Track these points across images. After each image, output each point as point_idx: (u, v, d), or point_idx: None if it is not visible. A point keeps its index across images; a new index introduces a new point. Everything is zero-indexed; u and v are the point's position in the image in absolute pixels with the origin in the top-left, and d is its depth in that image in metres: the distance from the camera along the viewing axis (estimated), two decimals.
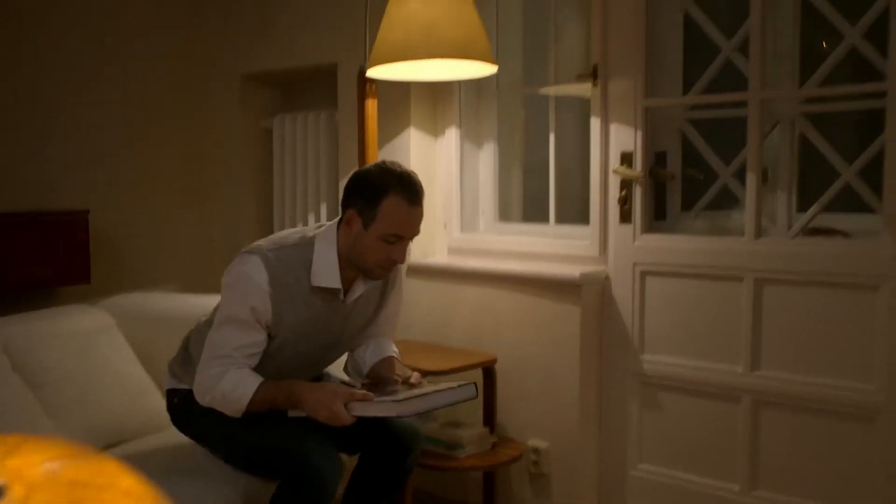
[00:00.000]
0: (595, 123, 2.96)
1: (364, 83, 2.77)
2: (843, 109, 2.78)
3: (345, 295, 2.28)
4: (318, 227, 2.30)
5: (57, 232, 3.41)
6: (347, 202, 2.21)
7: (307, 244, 2.24)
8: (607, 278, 2.96)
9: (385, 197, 2.14)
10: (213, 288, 2.67)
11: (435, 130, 3.47)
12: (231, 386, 2.16)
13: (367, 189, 2.17)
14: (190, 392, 2.27)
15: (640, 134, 2.86)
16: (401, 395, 2.10)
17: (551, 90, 3.24)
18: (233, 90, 4.02)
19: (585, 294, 2.94)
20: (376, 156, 2.80)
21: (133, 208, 3.89)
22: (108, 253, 3.76)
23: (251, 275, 2.16)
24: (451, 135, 3.43)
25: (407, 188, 2.15)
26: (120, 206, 3.83)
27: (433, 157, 3.47)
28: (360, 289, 2.28)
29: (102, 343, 2.76)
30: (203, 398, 2.21)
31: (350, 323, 2.34)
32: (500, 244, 3.30)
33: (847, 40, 2.52)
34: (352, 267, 2.24)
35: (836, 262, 2.49)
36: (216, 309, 2.28)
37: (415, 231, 2.20)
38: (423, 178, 2.24)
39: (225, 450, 2.33)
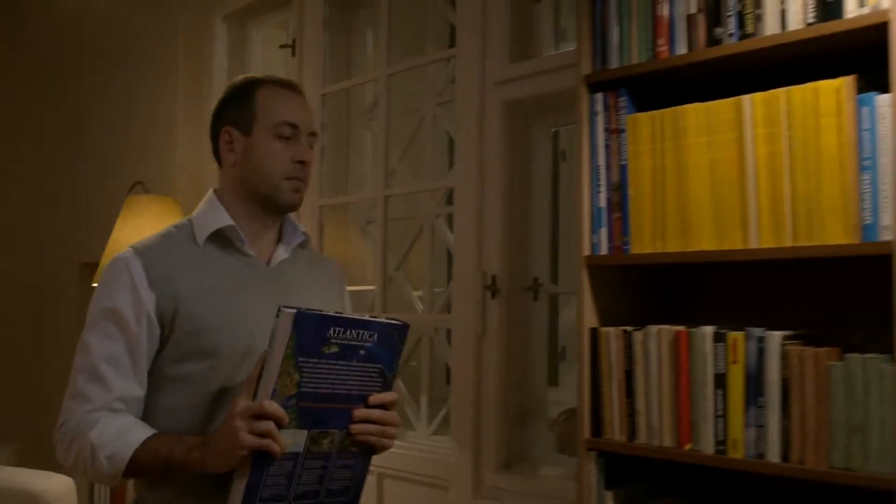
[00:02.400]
0: None
1: None
2: None
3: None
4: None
5: None
6: (216, 127, 1.75)
7: (183, 221, 1.76)
8: None
9: (256, 89, 1.72)
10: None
11: None
12: (104, 436, 1.55)
13: (233, 96, 1.74)
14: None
15: None
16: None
17: None
18: None
19: None
20: None
21: None
22: None
23: (118, 264, 1.64)
24: None
25: (278, 79, 1.76)
26: None
27: None
28: (282, 252, 1.77)
29: None
30: (66, 456, 1.60)
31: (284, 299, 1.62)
32: None
33: None
34: (253, 216, 1.73)
35: None
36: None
37: (309, 122, 1.73)
38: None
39: None
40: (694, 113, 1.90)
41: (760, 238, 1.80)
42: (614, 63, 2.04)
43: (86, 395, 1.59)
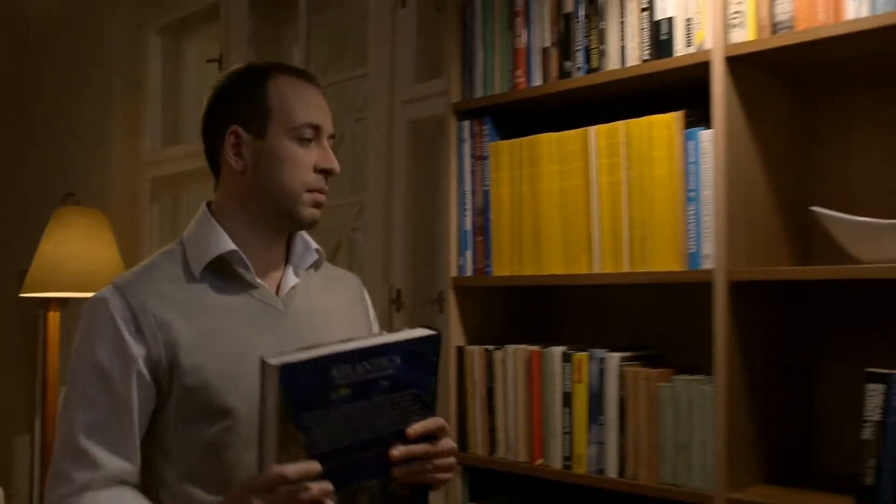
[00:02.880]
0: None
1: None
2: None
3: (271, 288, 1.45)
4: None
5: None
6: (216, 125, 1.43)
7: (172, 247, 1.45)
8: None
9: (267, 79, 1.41)
10: None
11: None
12: None
13: (238, 88, 1.42)
14: None
15: None
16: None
17: None
18: None
19: None
20: None
21: None
22: None
23: (97, 308, 1.35)
24: None
25: (292, 68, 1.47)
26: None
27: None
28: (292, 277, 1.46)
29: None
30: None
31: (302, 339, 1.36)
32: None
33: None
34: (261, 235, 1.43)
35: None
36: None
37: (330, 122, 1.44)
38: None
39: None
40: (547, 142, 1.98)
41: (603, 263, 1.88)
42: (479, 92, 2.12)
43: (65, 474, 1.30)
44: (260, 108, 1.39)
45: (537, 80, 2.02)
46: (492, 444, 2.06)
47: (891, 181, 1.79)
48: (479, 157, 2.11)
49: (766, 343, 1.76)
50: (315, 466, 1.17)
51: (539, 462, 1.98)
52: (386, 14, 2.94)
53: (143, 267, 1.42)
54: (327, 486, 1.18)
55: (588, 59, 1.93)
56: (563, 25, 1.97)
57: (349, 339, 1.25)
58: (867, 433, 1.55)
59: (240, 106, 1.40)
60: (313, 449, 1.18)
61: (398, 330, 1.34)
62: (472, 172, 2.12)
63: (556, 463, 1.94)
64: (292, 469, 1.15)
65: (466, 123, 2.14)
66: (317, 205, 1.41)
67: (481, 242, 2.10)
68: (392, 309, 2.85)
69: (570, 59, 1.96)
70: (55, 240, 3.41)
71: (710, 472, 1.71)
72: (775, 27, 1.65)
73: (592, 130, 1.90)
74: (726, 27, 1.70)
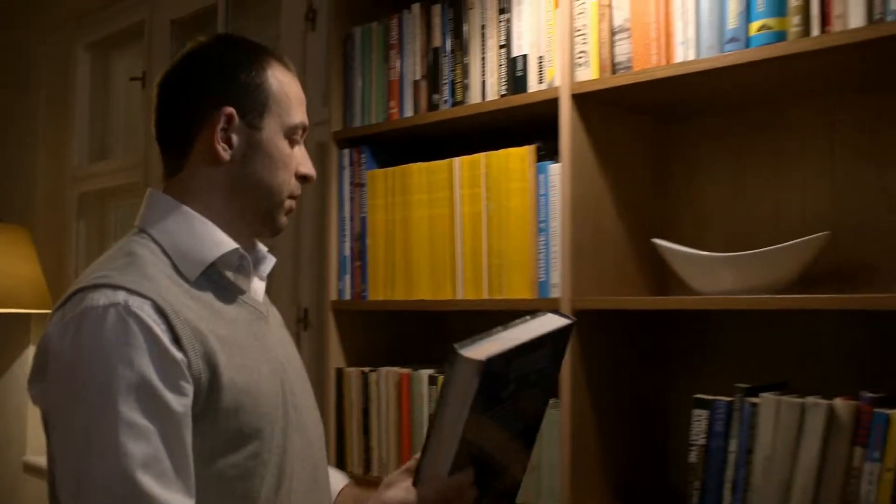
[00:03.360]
0: None
1: None
2: None
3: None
4: (134, 231, 1.25)
5: None
6: (200, 101, 1.23)
7: (140, 242, 1.21)
8: None
9: (268, 66, 1.26)
10: None
11: None
12: None
13: (236, 65, 1.24)
14: None
15: None
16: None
17: None
18: None
19: None
20: None
21: None
22: None
23: (117, 315, 1.08)
24: None
25: (284, 58, 1.30)
26: None
27: None
28: (260, 284, 1.32)
29: None
30: None
31: (283, 349, 1.32)
32: None
33: None
34: (237, 236, 1.26)
35: None
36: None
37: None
38: None
39: None
40: (417, 171, 2.05)
41: (465, 289, 1.95)
42: (358, 121, 2.19)
43: None
44: (259, 95, 1.24)
45: (409, 112, 2.08)
46: (367, 463, 2.13)
47: (740, 207, 1.87)
48: (358, 185, 2.17)
49: (614, 370, 1.84)
50: (471, 475, 1.14)
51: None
52: (297, 37, 3.00)
53: (131, 263, 1.16)
54: (473, 493, 1.15)
55: (453, 92, 2.00)
56: (432, 59, 2.04)
57: (506, 326, 1.17)
58: (693, 456, 1.63)
59: (234, 86, 1.23)
60: (480, 443, 1.12)
61: (530, 316, 1.22)
62: (352, 199, 2.19)
63: None
64: (467, 479, 1.13)
65: (346, 151, 2.20)
66: (289, 212, 1.30)
67: (359, 267, 2.16)
68: (300, 327, 2.91)
69: (437, 92, 2.03)
70: None
71: (556, 493, 1.78)
72: (615, 67, 1.73)
73: (457, 161, 1.97)
74: (573, 66, 1.78)
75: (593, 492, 1.79)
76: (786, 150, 1.80)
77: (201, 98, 1.23)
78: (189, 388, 1.09)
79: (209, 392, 1.11)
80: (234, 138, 1.22)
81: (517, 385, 1.14)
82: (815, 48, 1.46)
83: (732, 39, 1.58)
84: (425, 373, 2.02)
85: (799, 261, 1.61)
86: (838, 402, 1.47)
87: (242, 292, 1.26)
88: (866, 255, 1.69)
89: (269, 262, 1.35)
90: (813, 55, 1.48)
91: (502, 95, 1.91)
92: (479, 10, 1.95)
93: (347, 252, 2.19)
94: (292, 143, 1.27)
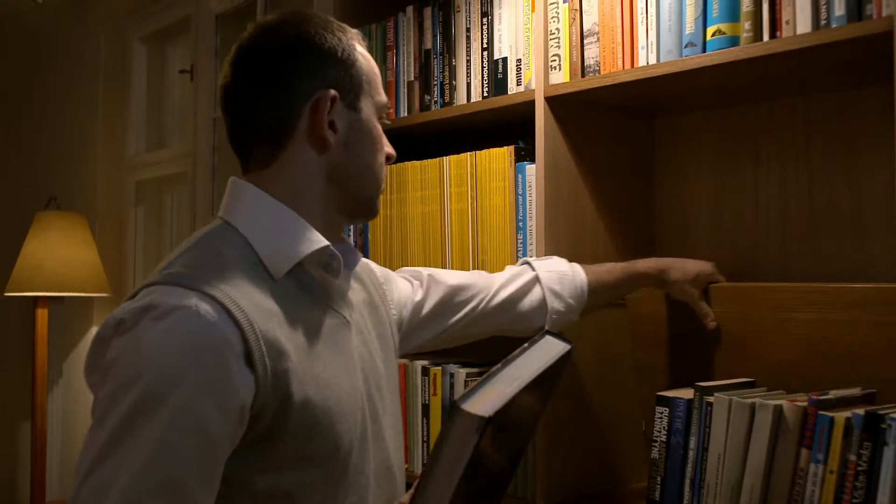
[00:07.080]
0: None
1: None
2: None
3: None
4: (217, 221, 1.17)
5: None
6: (293, 89, 1.14)
7: (223, 237, 1.13)
8: None
9: (355, 40, 1.20)
10: None
11: None
12: None
13: (326, 46, 1.16)
14: None
15: None
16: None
17: None
18: None
19: None
20: None
21: None
22: None
23: (182, 319, 0.99)
24: None
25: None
26: None
27: None
28: (346, 281, 1.23)
29: None
30: None
31: (367, 350, 1.25)
32: None
33: None
34: (331, 230, 1.20)
35: None
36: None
37: None
38: None
39: None
40: (412, 169, 2.12)
41: None
42: None
43: None
44: (356, 74, 1.17)
45: (403, 112, 2.15)
46: None
47: (721, 202, 1.88)
48: None
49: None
50: None
51: (405, 467, 2.13)
52: None
53: (210, 262, 1.07)
54: None
55: (443, 93, 2.06)
56: (424, 60, 2.10)
57: (506, 362, 1.07)
58: (655, 452, 1.67)
59: (330, 68, 1.15)
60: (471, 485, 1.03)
61: (528, 343, 1.14)
62: None
63: (419, 469, 2.09)
64: None
65: None
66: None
67: None
68: None
69: (429, 93, 2.09)
70: (35, 242, 3.65)
71: (530, 485, 1.84)
72: (585, 70, 1.76)
73: (446, 160, 2.03)
74: (547, 69, 1.82)
75: (563, 486, 1.84)
76: (763, 146, 1.81)
77: (301, 81, 1.14)
78: (244, 413, 1.01)
79: (278, 414, 1.03)
80: (338, 122, 1.15)
81: (515, 424, 1.10)
82: (763, 54, 1.48)
83: (690, 44, 1.59)
84: (419, 364, 2.10)
85: None
86: (786, 404, 1.49)
87: (329, 297, 1.17)
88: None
89: (356, 257, 1.26)
90: (765, 60, 1.50)
91: (484, 97, 1.96)
92: (465, 13, 2.00)
93: None
94: (381, 123, 1.22)
